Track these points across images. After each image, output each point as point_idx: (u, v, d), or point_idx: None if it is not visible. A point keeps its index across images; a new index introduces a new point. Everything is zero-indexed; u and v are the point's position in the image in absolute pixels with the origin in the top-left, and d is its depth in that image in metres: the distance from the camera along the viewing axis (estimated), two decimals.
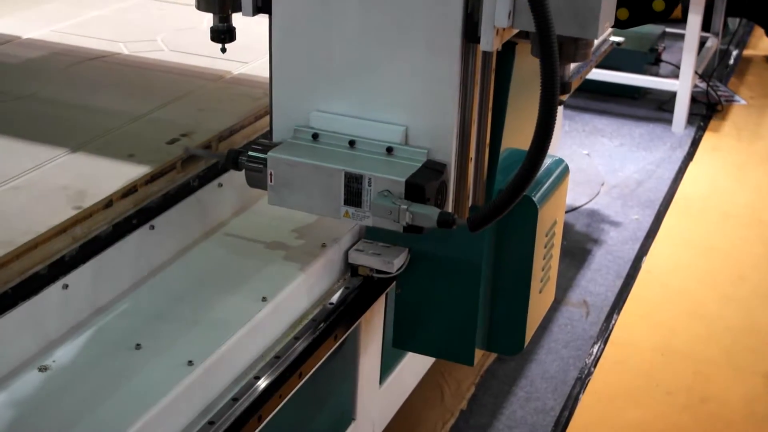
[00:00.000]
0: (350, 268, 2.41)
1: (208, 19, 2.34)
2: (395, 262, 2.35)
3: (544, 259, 2.52)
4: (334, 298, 2.32)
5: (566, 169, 2.59)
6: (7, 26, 3.28)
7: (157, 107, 2.62)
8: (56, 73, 2.89)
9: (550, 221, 2.50)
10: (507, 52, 2.21)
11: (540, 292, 2.55)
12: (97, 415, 1.79)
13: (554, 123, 1.87)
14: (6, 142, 2.41)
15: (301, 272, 2.25)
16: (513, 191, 1.94)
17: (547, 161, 2.44)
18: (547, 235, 2.49)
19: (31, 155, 2.31)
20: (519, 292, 2.47)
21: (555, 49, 1.83)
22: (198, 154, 2.36)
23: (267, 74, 2.54)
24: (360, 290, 2.37)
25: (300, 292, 2.25)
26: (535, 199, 2.38)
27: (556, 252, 2.64)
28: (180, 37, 3.23)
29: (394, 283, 2.49)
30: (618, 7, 2.33)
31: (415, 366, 3.07)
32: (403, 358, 2.94)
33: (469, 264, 2.43)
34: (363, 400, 2.70)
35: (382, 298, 2.55)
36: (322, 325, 2.23)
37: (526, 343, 2.55)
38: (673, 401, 3.50)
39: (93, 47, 3.09)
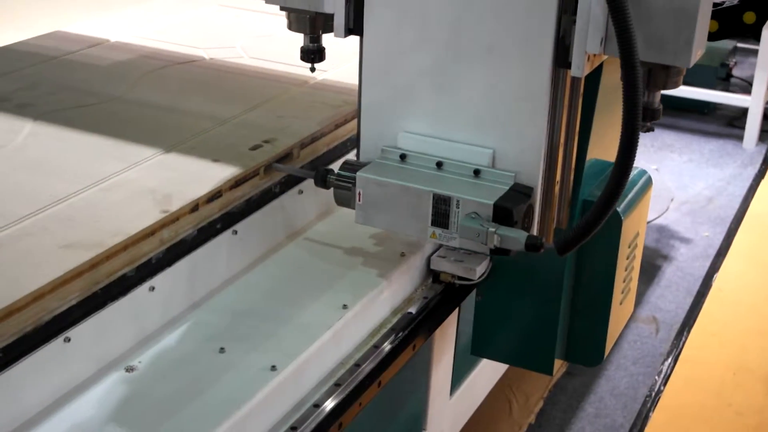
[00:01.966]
0: (432, 275, 2.41)
1: (284, 27, 2.36)
2: (477, 269, 2.34)
3: (626, 270, 2.49)
4: (414, 308, 2.31)
5: (649, 181, 2.57)
6: (96, 28, 3.34)
7: (240, 113, 2.64)
8: (143, 76, 2.92)
9: (633, 233, 2.48)
10: (593, 70, 2.19)
11: (620, 303, 2.53)
12: (180, 418, 1.80)
13: (636, 149, 1.86)
14: (96, 143, 2.44)
15: (383, 279, 2.25)
16: (598, 215, 1.94)
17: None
18: (629, 247, 2.47)
19: (120, 157, 2.34)
20: (601, 304, 2.46)
21: (639, 77, 1.82)
22: (287, 171, 2.38)
23: (347, 81, 2.53)
24: (441, 297, 2.37)
25: (382, 298, 2.24)
26: (619, 210, 2.35)
27: (637, 264, 2.62)
28: (258, 44, 3.25)
29: (475, 290, 2.48)
30: None
31: (484, 377, 3.05)
32: (473, 368, 2.92)
33: (551, 273, 2.42)
34: (434, 410, 2.69)
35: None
36: (401, 333, 2.23)
37: (605, 355, 2.53)
38: (744, 422, 3.43)
39: (176, 52, 3.14)
